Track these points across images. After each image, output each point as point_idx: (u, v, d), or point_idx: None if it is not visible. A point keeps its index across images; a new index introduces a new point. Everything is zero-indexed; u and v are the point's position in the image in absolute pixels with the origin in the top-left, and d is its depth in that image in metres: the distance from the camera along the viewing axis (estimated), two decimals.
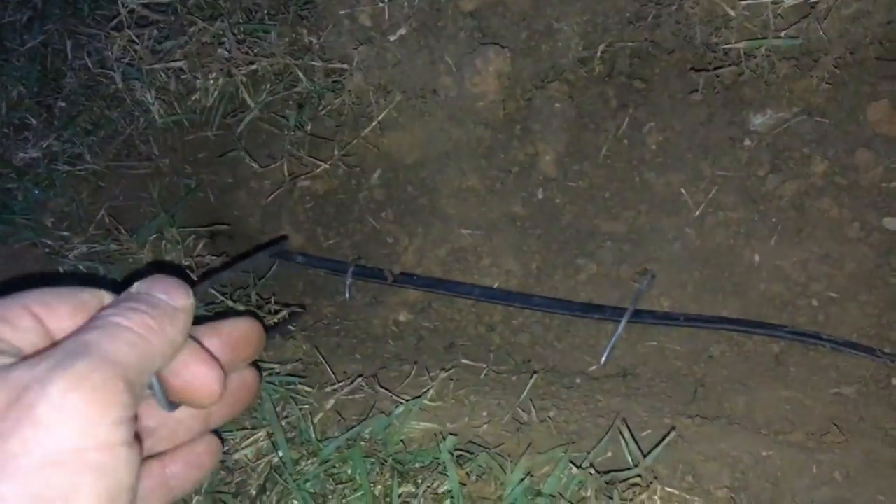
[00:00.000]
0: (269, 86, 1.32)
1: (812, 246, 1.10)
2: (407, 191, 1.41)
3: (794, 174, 1.13)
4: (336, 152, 1.36)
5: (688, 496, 0.81)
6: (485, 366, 1.14)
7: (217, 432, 0.58)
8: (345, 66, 1.27)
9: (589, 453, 0.86)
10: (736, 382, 1.02)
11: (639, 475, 0.81)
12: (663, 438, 0.85)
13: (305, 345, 1.21)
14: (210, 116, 1.38)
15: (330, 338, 1.27)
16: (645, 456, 0.83)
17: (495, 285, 1.31)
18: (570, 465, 0.83)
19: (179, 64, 1.31)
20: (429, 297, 1.35)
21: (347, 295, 1.36)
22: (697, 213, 1.20)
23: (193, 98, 1.38)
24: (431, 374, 1.09)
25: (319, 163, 1.35)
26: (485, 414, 1.00)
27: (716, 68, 1.14)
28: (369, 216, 1.42)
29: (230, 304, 1.18)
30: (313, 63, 1.27)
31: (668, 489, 0.81)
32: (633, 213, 1.26)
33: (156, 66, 1.34)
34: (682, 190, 1.21)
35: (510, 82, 1.25)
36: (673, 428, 0.86)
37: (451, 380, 1.07)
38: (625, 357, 1.15)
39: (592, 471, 0.82)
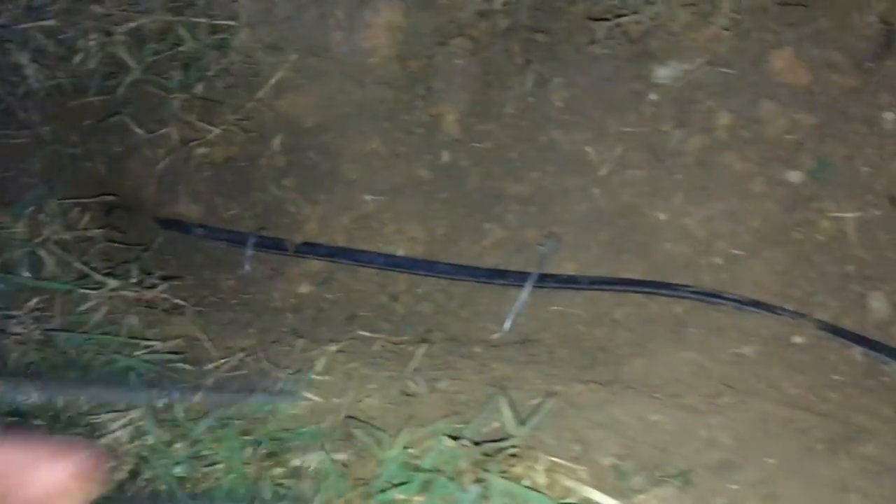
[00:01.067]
0: (152, 45, 1.23)
1: (716, 202, 1.06)
2: (308, 156, 1.34)
3: (698, 128, 1.08)
4: (230, 116, 1.28)
5: (573, 465, 0.77)
6: (382, 336, 1.09)
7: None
8: (231, 22, 1.19)
9: (467, 424, 0.81)
10: (636, 346, 0.98)
11: (516, 445, 0.76)
12: (540, 406, 0.81)
13: (199, 321, 1.14)
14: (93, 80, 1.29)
15: (225, 312, 1.21)
16: (523, 424, 0.78)
17: (399, 253, 1.25)
18: (445, 437, 0.77)
19: (52, 22, 1.21)
20: (332, 268, 1.29)
21: (248, 267, 1.30)
22: (603, 172, 1.15)
23: (75, 61, 1.29)
24: (323, 348, 1.03)
25: (210, 128, 1.27)
26: (373, 386, 0.94)
27: (616, 16, 1.09)
28: (271, 184, 1.35)
29: (106, 280, 1.09)
30: (197, 19, 1.18)
31: (553, 459, 0.77)
32: (539, 174, 1.21)
33: (29, 25, 1.24)
34: (588, 148, 1.16)
35: (406, 37, 1.18)
36: (552, 395, 0.82)
37: (342, 352, 1.01)
38: (528, 323, 1.11)
39: (467, 442, 0.77)
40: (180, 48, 1.23)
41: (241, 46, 1.21)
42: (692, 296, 1.00)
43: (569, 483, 0.74)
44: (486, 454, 0.76)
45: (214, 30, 1.21)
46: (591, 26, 1.14)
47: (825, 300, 0.97)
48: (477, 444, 0.77)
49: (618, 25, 1.10)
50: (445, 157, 1.27)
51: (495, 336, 1.10)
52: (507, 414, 0.79)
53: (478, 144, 1.25)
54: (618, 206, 1.13)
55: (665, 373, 0.90)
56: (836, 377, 0.87)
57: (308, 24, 1.18)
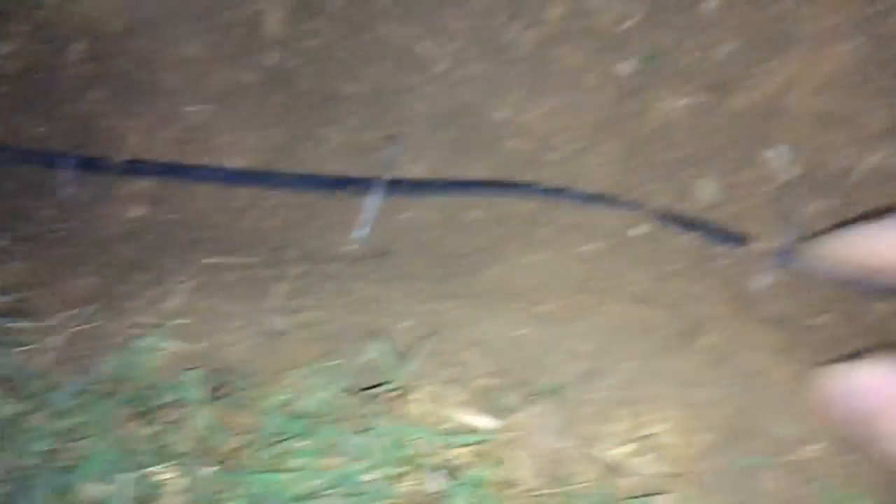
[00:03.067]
0: None
1: (553, 97, 1.07)
2: (119, 65, 1.22)
3: (531, 21, 1.08)
4: (20, 27, 1.14)
5: (450, 389, 0.80)
6: (233, 260, 1.05)
7: None
8: None
9: (341, 362, 0.82)
10: (490, 251, 1.00)
11: (398, 387, 0.77)
12: (422, 341, 0.82)
13: (26, 263, 1.05)
14: None
15: (54, 248, 1.12)
16: (402, 366, 0.80)
17: (237, 165, 1.19)
18: (324, 383, 0.78)
19: None
20: (163, 187, 1.21)
21: (70, 190, 1.20)
22: (440, 68, 1.13)
23: None
24: (175, 281, 0.99)
25: None
26: (236, 325, 0.92)
27: None
28: (79, 97, 1.22)
29: None
30: None
31: (430, 386, 0.79)
32: (373, 73, 1.17)
33: None
34: (423, 44, 1.13)
35: None
36: (433, 333, 0.83)
37: (196, 290, 0.97)
38: (381, 233, 1.10)
39: (347, 388, 0.78)
40: None
41: None
42: (540, 194, 1.02)
43: (446, 410, 0.78)
44: (369, 395, 0.77)
45: None
46: None
47: (659, 188, 1.02)
48: (361, 389, 0.78)
49: None
50: (272, 58, 1.20)
51: (349, 249, 1.09)
52: (386, 357, 0.80)
53: (305, 43, 1.19)
54: (457, 104, 1.12)
55: (522, 279, 0.94)
56: (673, 266, 0.94)
57: None
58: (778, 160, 0.97)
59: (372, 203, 1.09)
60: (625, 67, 1.05)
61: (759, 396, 0.77)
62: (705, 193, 1.00)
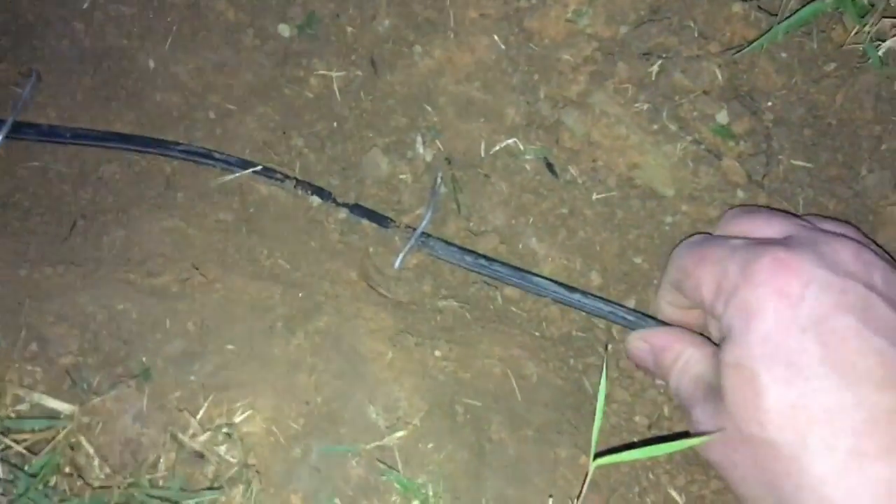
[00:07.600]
0: None
1: (208, 53, 1.01)
2: None
3: None
4: None
5: (29, 367, 0.72)
6: None
7: None
8: None
9: None
10: (120, 212, 0.93)
11: None
12: (7, 312, 0.74)
13: None
14: None
15: None
16: None
17: None
18: None
19: None
20: None
21: None
22: (87, 4, 1.02)
23: None
24: None
25: None
26: None
27: None
28: None
29: None
30: None
31: (7, 364, 0.72)
32: None
33: None
34: None
35: None
36: (22, 303, 0.75)
37: None
38: (2, 181, 0.99)
39: None
40: None
41: None
42: (182, 155, 0.96)
43: (20, 391, 0.71)
44: None
45: None
46: None
47: (311, 160, 0.99)
48: None
49: None
50: None
51: None
52: None
53: None
54: (103, 46, 1.02)
55: (146, 246, 0.87)
56: (312, 243, 0.92)
57: None
58: (425, 144, 0.98)
59: None
60: (284, 30, 1.01)
61: (361, 382, 0.78)
62: (363, 169, 0.98)
